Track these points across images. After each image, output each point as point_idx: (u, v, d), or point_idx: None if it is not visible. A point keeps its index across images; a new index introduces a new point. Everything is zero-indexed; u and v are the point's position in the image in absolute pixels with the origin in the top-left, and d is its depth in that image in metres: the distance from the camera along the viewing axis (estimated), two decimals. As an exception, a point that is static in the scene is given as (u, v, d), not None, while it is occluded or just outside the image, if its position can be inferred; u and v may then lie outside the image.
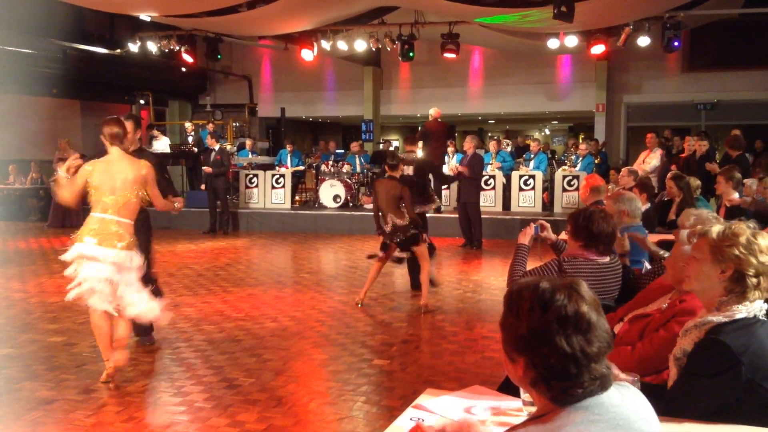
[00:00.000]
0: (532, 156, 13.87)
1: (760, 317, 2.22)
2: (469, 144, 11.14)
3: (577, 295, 1.46)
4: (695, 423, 2.08)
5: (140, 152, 5.45)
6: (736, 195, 6.94)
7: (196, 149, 15.43)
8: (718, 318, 2.22)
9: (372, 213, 7.26)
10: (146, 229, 5.53)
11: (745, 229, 2.27)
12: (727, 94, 16.81)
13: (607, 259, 3.68)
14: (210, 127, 15.56)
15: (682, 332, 2.34)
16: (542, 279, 1.51)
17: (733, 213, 6.48)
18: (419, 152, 9.90)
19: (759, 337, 2.16)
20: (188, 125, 16.37)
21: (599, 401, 1.46)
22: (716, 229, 2.30)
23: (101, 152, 4.93)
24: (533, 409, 2.14)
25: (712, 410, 2.12)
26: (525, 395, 2.19)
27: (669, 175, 7.53)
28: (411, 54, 13.68)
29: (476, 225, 11.21)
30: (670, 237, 4.47)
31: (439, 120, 12.26)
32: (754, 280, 2.21)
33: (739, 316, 2.20)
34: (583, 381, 1.42)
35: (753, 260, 2.21)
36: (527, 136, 23.28)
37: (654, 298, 3.15)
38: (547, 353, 1.42)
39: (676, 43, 12.63)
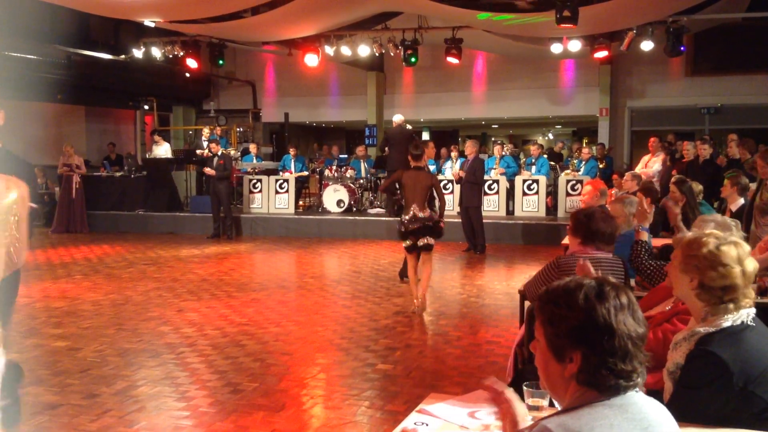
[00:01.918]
0: (533, 160, 13.86)
1: (748, 323, 2.21)
2: (470, 149, 11.14)
3: (619, 285, 1.58)
4: (694, 427, 2.08)
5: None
6: (741, 200, 6.91)
7: (210, 154, 15.46)
8: (705, 329, 2.21)
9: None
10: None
11: (710, 240, 2.25)
12: (731, 98, 16.79)
13: (603, 254, 3.74)
14: (218, 131, 15.58)
15: (672, 345, 2.34)
16: (579, 278, 1.59)
17: (737, 218, 6.45)
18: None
19: (748, 344, 2.15)
20: (206, 131, 16.27)
21: (633, 401, 1.52)
22: (689, 236, 2.30)
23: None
24: (537, 413, 2.14)
25: (708, 421, 2.11)
26: (530, 400, 2.19)
27: (672, 179, 7.52)
28: (413, 59, 13.71)
29: (478, 230, 11.19)
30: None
31: (403, 126, 12.47)
32: (719, 292, 2.20)
33: (725, 324, 2.19)
34: (636, 366, 1.51)
35: (712, 273, 2.20)
36: (532, 140, 23.29)
37: (659, 300, 3.15)
38: (610, 339, 1.49)
39: (680, 48, 12.63)
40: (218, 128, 15.67)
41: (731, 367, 2.09)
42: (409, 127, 13.02)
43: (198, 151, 15.49)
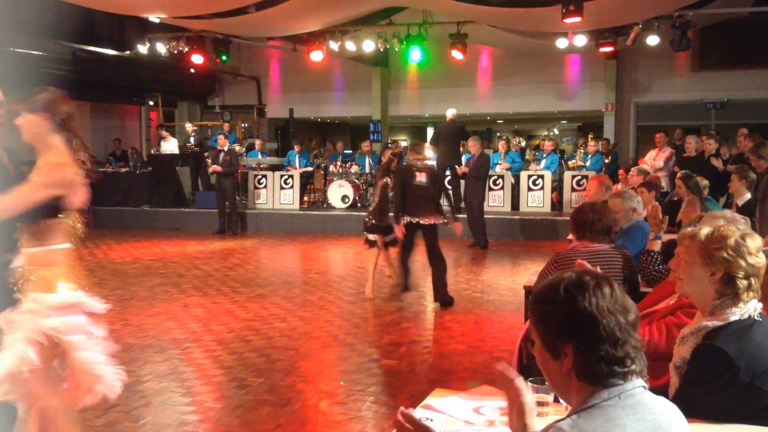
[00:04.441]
0: (545, 155, 13.83)
1: (755, 317, 2.20)
2: (474, 147, 11.15)
3: (600, 276, 1.59)
4: (700, 423, 2.08)
5: None
6: (748, 195, 6.88)
7: (198, 149, 15.50)
8: (713, 323, 2.20)
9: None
10: None
11: (734, 230, 2.26)
12: (737, 93, 16.70)
13: (599, 246, 3.78)
14: (226, 126, 15.67)
15: (679, 340, 2.33)
16: (563, 272, 1.60)
17: (744, 213, 6.43)
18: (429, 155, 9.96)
19: (755, 339, 2.15)
20: (188, 126, 16.39)
21: (644, 401, 1.53)
22: (705, 231, 2.29)
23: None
24: (542, 409, 2.14)
25: (714, 416, 2.11)
26: (534, 396, 2.18)
27: (678, 174, 7.50)
28: (418, 55, 13.66)
29: (479, 224, 11.20)
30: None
31: (455, 121, 12.41)
32: (744, 282, 2.20)
33: (733, 318, 2.19)
34: (628, 350, 1.52)
35: (742, 262, 2.20)
36: (537, 135, 23.20)
37: (664, 296, 3.14)
38: (595, 327, 1.51)
39: (687, 43, 12.57)
40: (226, 125, 15.77)
41: (737, 363, 2.09)
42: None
43: (188, 145, 15.59)
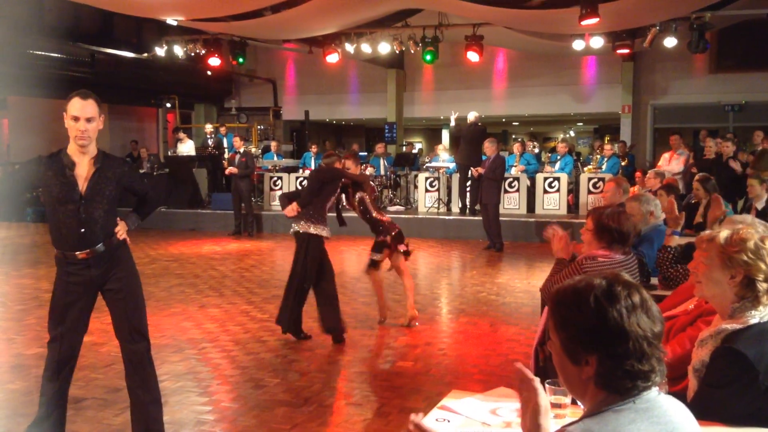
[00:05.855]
0: (559, 157, 13.78)
1: None
2: (490, 148, 11.14)
3: (631, 283, 1.54)
4: (719, 426, 2.06)
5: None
6: (765, 198, 6.84)
7: (216, 152, 15.61)
8: (732, 326, 2.19)
9: (396, 215, 7.39)
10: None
11: (753, 233, 2.23)
12: (755, 95, 16.55)
13: (623, 257, 3.65)
14: (223, 130, 15.80)
15: (698, 343, 2.31)
16: (590, 277, 1.56)
17: (763, 216, 6.38)
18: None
19: None
20: (208, 127, 16.51)
21: (658, 404, 1.51)
22: (724, 234, 2.26)
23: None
24: (559, 410, 2.14)
25: (732, 420, 2.09)
26: (552, 397, 2.18)
27: (696, 177, 7.46)
28: (431, 56, 13.67)
29: (495, 227, 11.18)
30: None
31: (479, 124, 12.49)
32: (765, 284, 2.18)
33: (753, 321, 2.17)
34: (654, 364, 1.49)
35: (762, 265, 2.18)
36: (553, 137, 23.07)
37: (681, 300, 3.12)
38: (624, 343, 1.47)
39: (705, 45, 12.49)
40: (222, 128, 15.99)
41: (757, 366, 2.07)
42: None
43: (205, 148, 15.70)
